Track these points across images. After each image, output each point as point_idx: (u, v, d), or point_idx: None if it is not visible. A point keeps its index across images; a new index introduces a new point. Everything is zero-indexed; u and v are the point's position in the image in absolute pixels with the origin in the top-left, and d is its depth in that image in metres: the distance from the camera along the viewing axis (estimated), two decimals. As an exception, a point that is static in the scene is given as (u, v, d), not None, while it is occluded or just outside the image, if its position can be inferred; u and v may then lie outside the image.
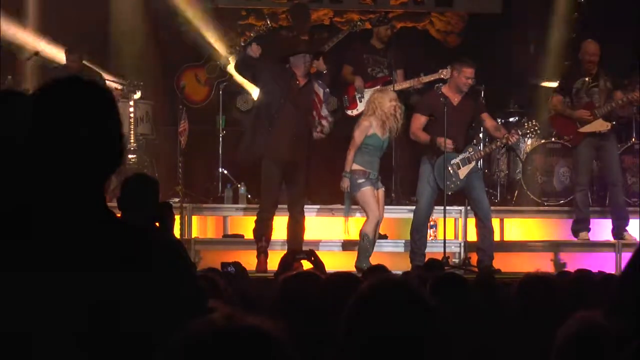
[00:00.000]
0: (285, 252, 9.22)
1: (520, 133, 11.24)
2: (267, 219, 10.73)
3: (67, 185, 2.43)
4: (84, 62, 12.18)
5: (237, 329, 1.84)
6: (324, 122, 10.74)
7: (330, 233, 12.06)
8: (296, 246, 10.61)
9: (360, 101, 12.32)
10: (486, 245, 10.93)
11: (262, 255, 10.73)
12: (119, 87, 12.13)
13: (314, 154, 11.36)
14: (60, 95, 2.47)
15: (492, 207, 12.34)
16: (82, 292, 2.32)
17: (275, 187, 10.67)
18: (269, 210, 10.74)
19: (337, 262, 10.98)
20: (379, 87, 11.94)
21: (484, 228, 10.95)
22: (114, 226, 2.46)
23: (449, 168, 10.80)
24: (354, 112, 12.44)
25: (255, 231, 10.84)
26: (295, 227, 10.76)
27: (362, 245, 10.67)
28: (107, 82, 12.04)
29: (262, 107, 10.84)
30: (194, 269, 6.52)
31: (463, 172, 10.85)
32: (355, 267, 10.38)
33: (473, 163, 10.91)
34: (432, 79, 11.84)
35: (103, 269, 2.36)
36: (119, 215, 5.80)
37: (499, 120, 12.68)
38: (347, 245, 11.72)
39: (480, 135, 12.48)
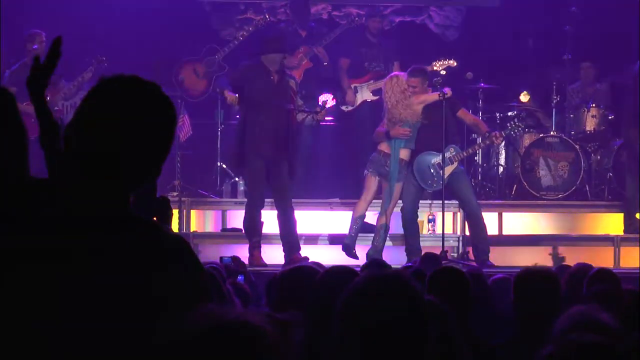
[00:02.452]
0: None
1: (504, 134, 11.26)
2: (256, 214, 10.76)
3: (110, 185, 2.44)
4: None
5: (228, 323, 1.84)
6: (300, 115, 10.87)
7: (329, 227, 12.08)
8: (291, 240, 10.64)
9: (352, 106, 12.45)
10: (479, 241, 10.93)
11: (256, 249, 10.74)
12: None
13: (314, 150, 11.38)
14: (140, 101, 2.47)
15: (491, 201, 12.38)
16: (101, 288, 2.33)
17: (261, 181, 10.68)
18: (257, 205, 10.76)
19: (337, 256, 10.99)
20: (371, 81, 12.03)
21: (474, 226, 10.95)
22: (133, 223, 2.46)
23: (430, 168, 10.82)
24: (349, 108, 12.48)
25: (246, 227, 10.83)
26: (286, 221, 10.75)
27: (381, 237, 10.75)
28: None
29: (243, 108, 10.83)
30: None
31: (445, 172, 10.85)
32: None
33: (455, 164, 10.90)
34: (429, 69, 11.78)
35: (126, 264, 2.36)
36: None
37: (498, 115, 12.71)
38: (344, 240, 11.73)
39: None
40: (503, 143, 12.82)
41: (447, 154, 10.82)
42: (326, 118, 12.79)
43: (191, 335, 1.85)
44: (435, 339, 2.50)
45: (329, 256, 11.06)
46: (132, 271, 2.36)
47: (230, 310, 1.87)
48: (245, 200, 11.32)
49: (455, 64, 11.64)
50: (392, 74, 11.11)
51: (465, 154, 11.07)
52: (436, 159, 10.82)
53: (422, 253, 9.99)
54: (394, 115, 10.65)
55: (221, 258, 8.82)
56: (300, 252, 10.69)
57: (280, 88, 10.77)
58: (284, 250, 10.74)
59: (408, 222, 10.95)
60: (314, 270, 4.89)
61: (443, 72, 11.30)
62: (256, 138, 10.61)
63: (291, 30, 12.84)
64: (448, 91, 10.78)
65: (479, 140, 11.31)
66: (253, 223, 10.78)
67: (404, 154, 10.72)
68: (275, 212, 10.87)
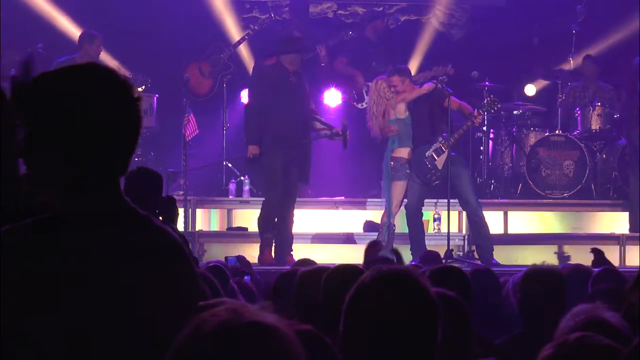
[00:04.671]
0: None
1: (482, 112, 11.23)
2: (273, 212, 10.72)
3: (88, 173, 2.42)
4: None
5: (242, 323, 1.84)
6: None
7: (334, 226, 12.08)
8: (288, 240, 10.63)
9: (367, 94, 12.37)
10: (482, 239, 10.90)
11: (268, 247, 10.72)
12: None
13: (324, 149, 11.38)
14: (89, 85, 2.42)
15: (496, 200, 12.36)
16: (103, 282, 2.33)
17: (279, 180, 10.67)
18: (275, 203, 10.70)
19: (342, 255, 10.99)
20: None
21: (475, 223, 10.93)
22: (131, 218, 2.45)
23: (426, 162, 10.81)
24: (364, 105, 12.48)
25: (262, 223, 10.79)
26: (288, 221, 10.76)
27: (387, 236, 10.73)
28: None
29: (259, 107, 10.79)
30: (196, 263, 6.54)
31: (439, 162, 10.84)
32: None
33: (446, 152, 10.87)
34: (429, 75, 11.79)
35: (122, 259, 2.36)
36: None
37: (502, 113, 12.71)
38: (350, 239, 11.74)
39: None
40: (508, 142, 12.83)
41: (437, 144, 10.83)
42: (332, 117, 12.80)
43: (204, 334, 1.84)
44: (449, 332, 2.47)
45: (333, 255, 11.07)
46: (120, 268, 2.35)
47: (244, 309, 1.87)
48: (251, 199, 11.34)
49: (452, 71, 11.59)
50: (376, 78, 11.11)
51: (452, 140, 10.99)
52: (429, 151, 10.84)
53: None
54: (378, 121, 10.71)
55: (226, 258, 8.83)
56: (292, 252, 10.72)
57: (298, 88, 10.77)
58: (275, 248, 10.71)
59: (412, 220, 10.95)
60: (324, 270, 4.88)
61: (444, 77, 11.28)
62: (276, 137, 10.60)
63: (287, 32, 12.78)
64: (431, 86, 10.81)
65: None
66: (269, 220, 10.75)
67: (403, 152, 10.71)
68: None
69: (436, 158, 10.83)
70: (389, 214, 10.75)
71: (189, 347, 1.83)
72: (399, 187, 10.73)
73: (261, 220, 10.81)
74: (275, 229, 10.78)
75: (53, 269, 2.33)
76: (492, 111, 11.62)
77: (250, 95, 11.07)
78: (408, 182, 10.83)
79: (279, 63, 10.84)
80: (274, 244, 10.76)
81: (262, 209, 10.85)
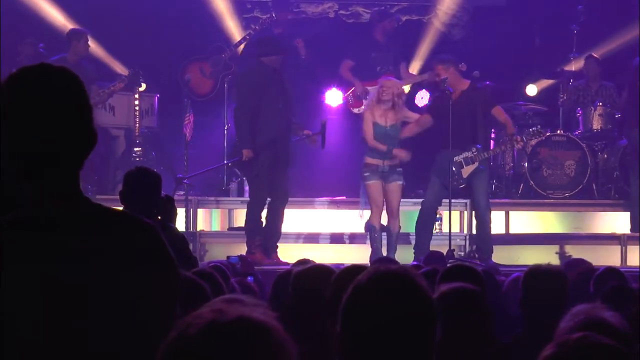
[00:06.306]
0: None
1: (525, 140, 11.25)
2: (260, 215, 10.75)
3: (41, 173, 2.40)
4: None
5: (227, 320, 1.83)
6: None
7: (335, 226, 12.07)
8: (276, 239, 10.63)
9: (365, 99, 12.40)
10: (482, 239, 10.91)
11: (259, 250, 10.72)
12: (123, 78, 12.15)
13: (324, 149, 11.43)
14: (30, 83, 2.42)
15: (498, 200, 12.36)
16: (75, 283, 2.32)
17: (267, 182, 10.69)
18: (263, 205, 10.75)
19: (343, 255, 10.98)
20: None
21: (478, 226, 10.95)
22: (104, 219, 2.43)
23: (452, 166, 10.75)
24: (360, 110, 12.48)
25: (251, 229, 10.80)
26: (279, 220, 10.76)
27: (371, 238, 10.69)
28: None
29: (247, 109, 10.77)
30: (195, 263, 6.51)
31: (466, 171, 10.78)
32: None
33: (476, 164, 10.81)
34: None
35: (92, 258, 2.34)
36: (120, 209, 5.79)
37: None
38: (353, 238, 11.73)
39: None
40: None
41: (469, 154, 10.76)
42: (333, 117, 12.80)
43: (192, 333, 1.84)
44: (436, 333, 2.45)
45: (334, 255, 11.07)
46: (101, 271, 2.33)
47: (230, 308, 1.86)
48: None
49: (464, 68, 11.60)
50: (381, 79, 11.06)
51: (486, 155, 10.94)
52: (459, 157, 10.76)
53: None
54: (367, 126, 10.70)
55: (228, 257, 8.84)
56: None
57: (283, 88, 10.79)
58: (262, 245, 10.68)
59: (423, 218, 10.88)
60: (328, 270, 4.87)
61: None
62: (265, 138, 10.60)
63: (266, 29, 12.76)
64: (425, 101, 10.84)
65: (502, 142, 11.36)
66: (258, 223, 10.76)
67: (374, 160, 10.68)
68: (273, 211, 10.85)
69: (464, 166, 10.77)
70: (372, 216, 10.73)
71: (176, 352, 1.82)
72: (371, 189, 10.68)
73: (250, 224, 10.79)
74: (266, 228, 10.76)
75: (24, 269, 2.31)
76: (535, 140, 11.70)
77: (237, 99, 11.08)
78: (432, 180, 10.78)
79: (261, 63, 10.83)
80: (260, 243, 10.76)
81: (249, 213, 10.83)
